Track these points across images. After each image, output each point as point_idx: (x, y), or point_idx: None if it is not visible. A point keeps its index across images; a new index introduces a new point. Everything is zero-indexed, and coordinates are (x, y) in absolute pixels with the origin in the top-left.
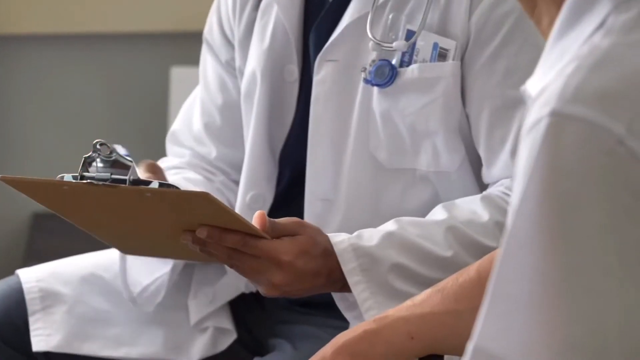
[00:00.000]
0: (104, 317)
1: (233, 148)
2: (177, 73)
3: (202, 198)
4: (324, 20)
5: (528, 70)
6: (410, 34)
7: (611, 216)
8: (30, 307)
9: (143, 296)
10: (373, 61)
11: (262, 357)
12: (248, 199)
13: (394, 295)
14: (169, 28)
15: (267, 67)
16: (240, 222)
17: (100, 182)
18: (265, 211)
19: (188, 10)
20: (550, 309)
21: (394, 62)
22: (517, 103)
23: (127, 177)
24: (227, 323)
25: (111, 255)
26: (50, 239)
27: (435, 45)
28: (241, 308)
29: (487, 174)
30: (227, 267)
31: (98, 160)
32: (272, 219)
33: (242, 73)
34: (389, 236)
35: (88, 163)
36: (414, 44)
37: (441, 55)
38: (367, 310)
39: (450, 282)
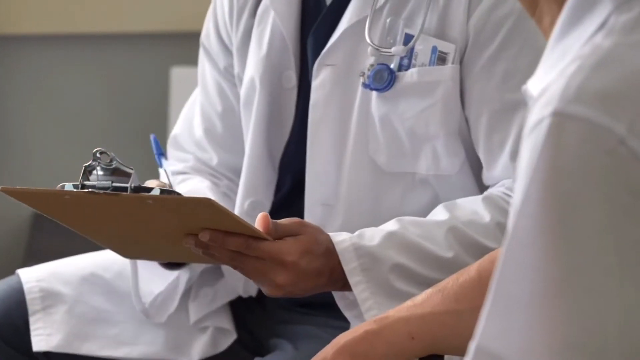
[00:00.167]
0: (105, 317)
1: (234, 154)
2: (177, 73)
3: (204, 204)
4: (321, 25)
5: (527, 73)
6: (408, 38)
7: (612, 216)
8: (30, 307)
9: (154, 305)
10: (371, 65)
11: (262, 357)
12: (246, 205)
13: (394, 296)
14: (169, 28)
15: (266, 74)
16: (242, 225)
17: (102, 191)
18: None
19: (188, 10)
20: (550, 308)
21: (392, 66)
22: (517, 106)
23: (128, 185)
24: (227, 323)
25: (111, 255)
26: (51, 239)
27: (434, 49)
28: (241, 308)
29: (487, 176)
30: (224, 270)
31: (98, 168)
32: (274, 220)
33: (241, 80)
34: (390, 236)
35: (88, 172)
36: (413, 47)
37: (440, 58)
38: (368, 310)
39: (450, 282)
